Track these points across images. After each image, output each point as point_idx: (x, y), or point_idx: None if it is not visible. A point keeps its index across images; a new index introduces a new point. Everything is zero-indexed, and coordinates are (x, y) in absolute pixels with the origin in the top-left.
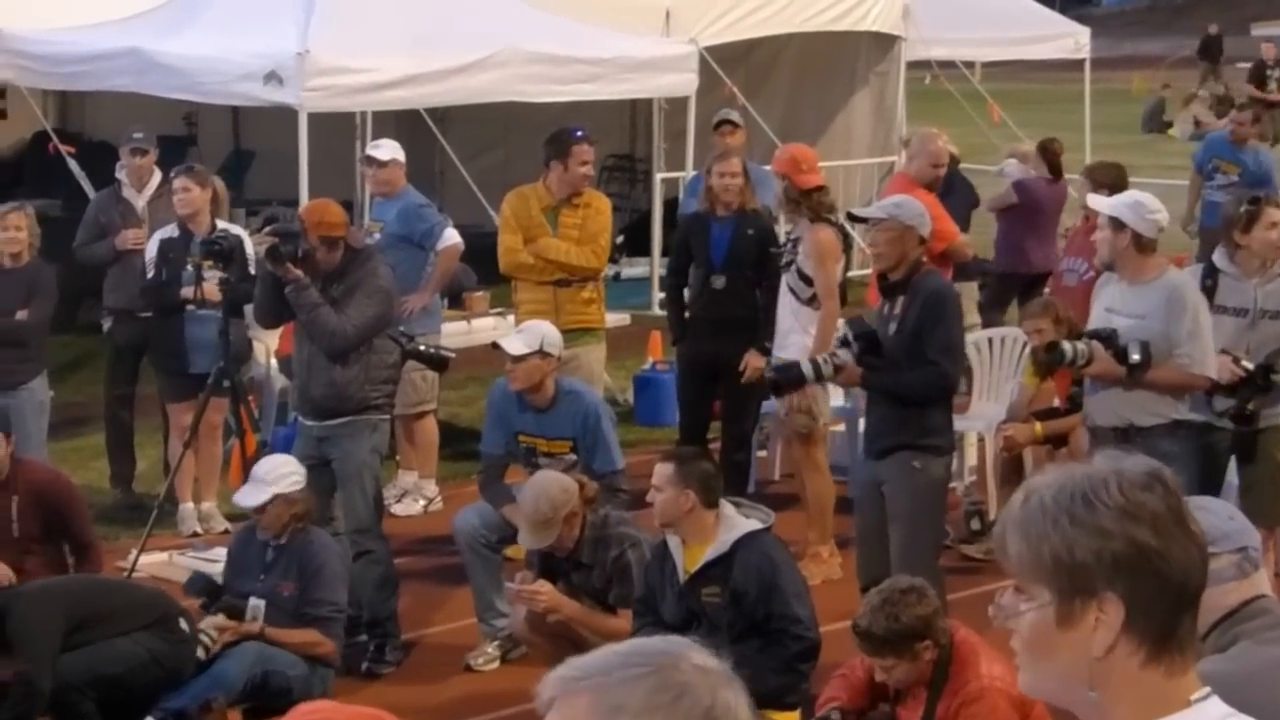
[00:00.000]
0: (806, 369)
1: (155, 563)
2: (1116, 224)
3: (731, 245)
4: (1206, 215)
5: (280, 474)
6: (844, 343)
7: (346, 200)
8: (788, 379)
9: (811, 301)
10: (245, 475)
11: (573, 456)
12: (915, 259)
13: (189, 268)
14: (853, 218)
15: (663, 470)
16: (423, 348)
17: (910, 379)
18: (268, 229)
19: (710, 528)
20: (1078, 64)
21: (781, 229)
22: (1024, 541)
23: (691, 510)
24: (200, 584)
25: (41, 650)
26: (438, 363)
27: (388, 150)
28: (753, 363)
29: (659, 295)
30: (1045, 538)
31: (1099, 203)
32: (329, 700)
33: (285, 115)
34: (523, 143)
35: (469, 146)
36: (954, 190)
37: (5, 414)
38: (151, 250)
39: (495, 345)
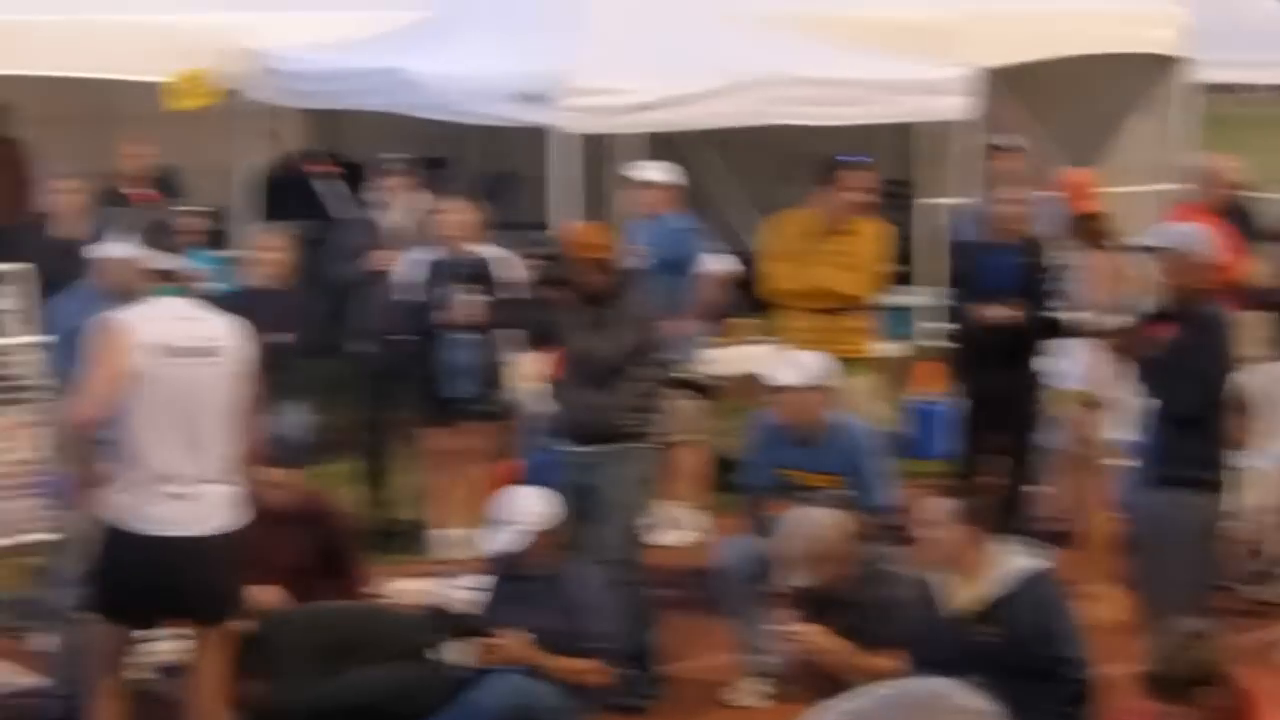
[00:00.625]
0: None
1: (408, 590)
2: None
3: (1010, 274)
4: None
5: (531, 509)
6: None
7: (608, 223)
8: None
9: (1093, 333)
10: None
11: (840, 491)
12: (1200, 288)
13: (448, 291)
14: (1134, 246)
15: (937, 506)
16: (687, 375)
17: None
18: (534, 252)
19: (985, 565)
20: None
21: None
22: None
23: (966, 547)
24: (447, 614)
25: (297, 678)
26: (702, 390)
27: (652, 172)
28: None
29: (927, 325)
30: None
31: None
32: None
33: (542, 136)
34: (786, 166)
35: (730, 170)
36: (1238, 218)
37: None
38: (410, 273)
39: (762, 375)
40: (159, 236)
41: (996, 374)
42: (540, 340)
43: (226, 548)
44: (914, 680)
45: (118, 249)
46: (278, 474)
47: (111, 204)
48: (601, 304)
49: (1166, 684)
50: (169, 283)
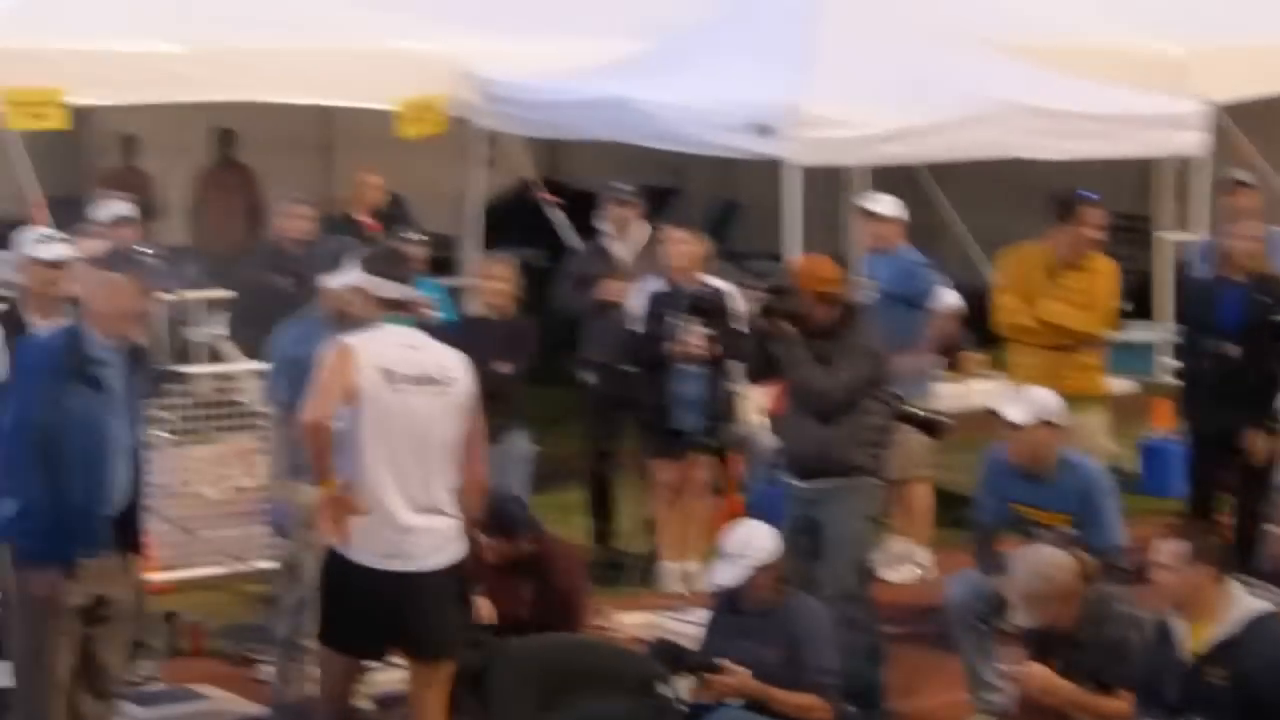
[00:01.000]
0: None
1: (635, 623)
2: None
3: (1244, 312)
4: None
5: (755, 544)
6: None
7: (839, 256)
8: None
9: None
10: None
11: (1071, 530)
12: None
13: (676, 322)
14: None
15: (1173, 548)
16: (916, 410)
17: None
18: (761, 284)
19: (1219, 608)
20: None
21: None
22: None
23: (1201, 589)
24: (672, 648)
25: (516, 713)
26: (932, 427)
27: (885, 205)
28: (1256, 443)
29: (1164, 361)
30: None
31: None
32: None
33: (774, 167)
34: (1018, 200)
35: (961, 202)
36: None
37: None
38: (637, 303)
39: (993, 411)
40: (388, 264)
41: (1226, 411)
42: (765, 373)
43: (448, 583)
44: None
45: (346, 277)
46: (496, 543)
47: (343, 231)
48: (829, 337)
49: None
50: (397, 312)
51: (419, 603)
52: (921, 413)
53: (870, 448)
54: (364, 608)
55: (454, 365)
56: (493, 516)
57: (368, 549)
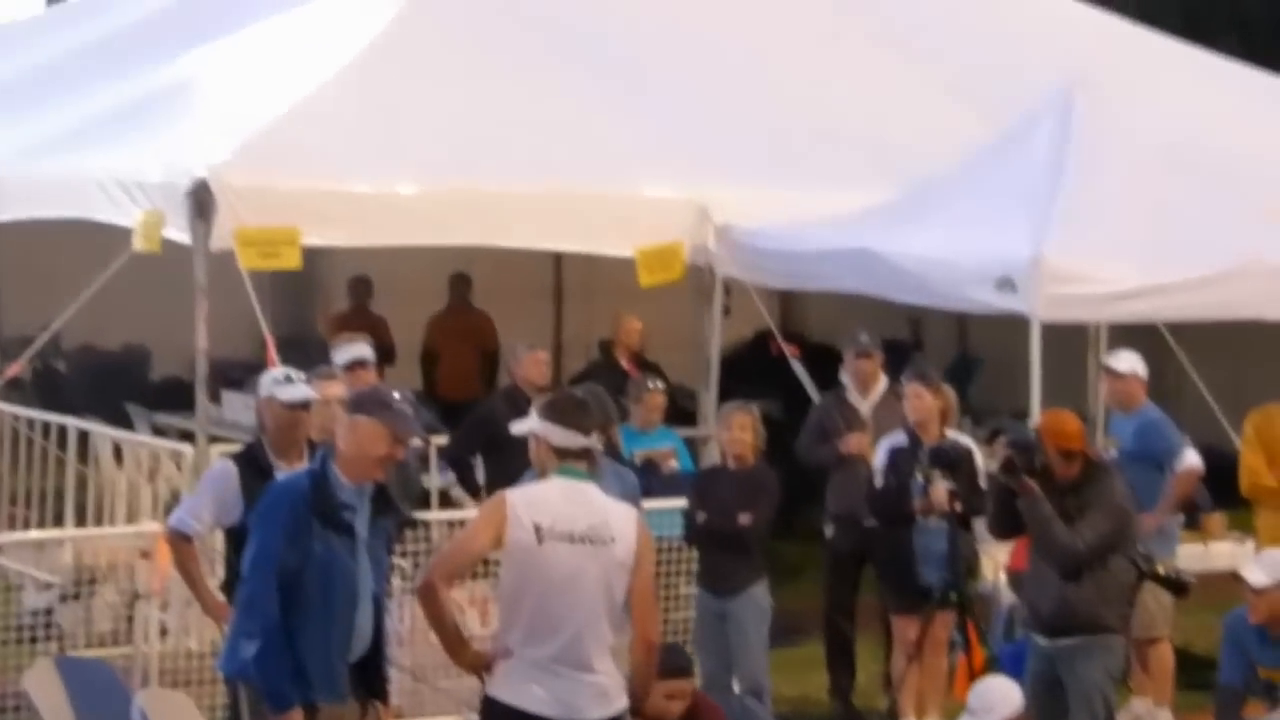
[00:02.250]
0: None
1: None
2: None
3: None
4: None
5: (1001, 700)
6: None
7: (1080, 412)
8: None
9: None
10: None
11: None
12: None
13: (918, 477)
14: None
15: None
16: (1162, 570)
17: None
18: (1003, 439)
19: None
20: None
21: None
22: None
23: None
24: None
25: None
26: (1178, 587)
27: (1127, 362)
28: None
29: None
30: None
31: None
32: None
33: (1014, 322)
34: (1258, 359)
35: (1203, 360)
36: None
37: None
38: (880, 457)
39: (1236, 574)
40: (566, 412)
41: None
42: (1008, 529)
43: None
44: None
45: (530, 423)
46: (668, 685)
47: (605, 373)
48: (1074, 493)
49: None
50: (572, 462)
51: None
52: (1168, 573)
53: (1116, 606)
54: None
55: (618, 523)
56: (664, 659)
57: (522, 694)
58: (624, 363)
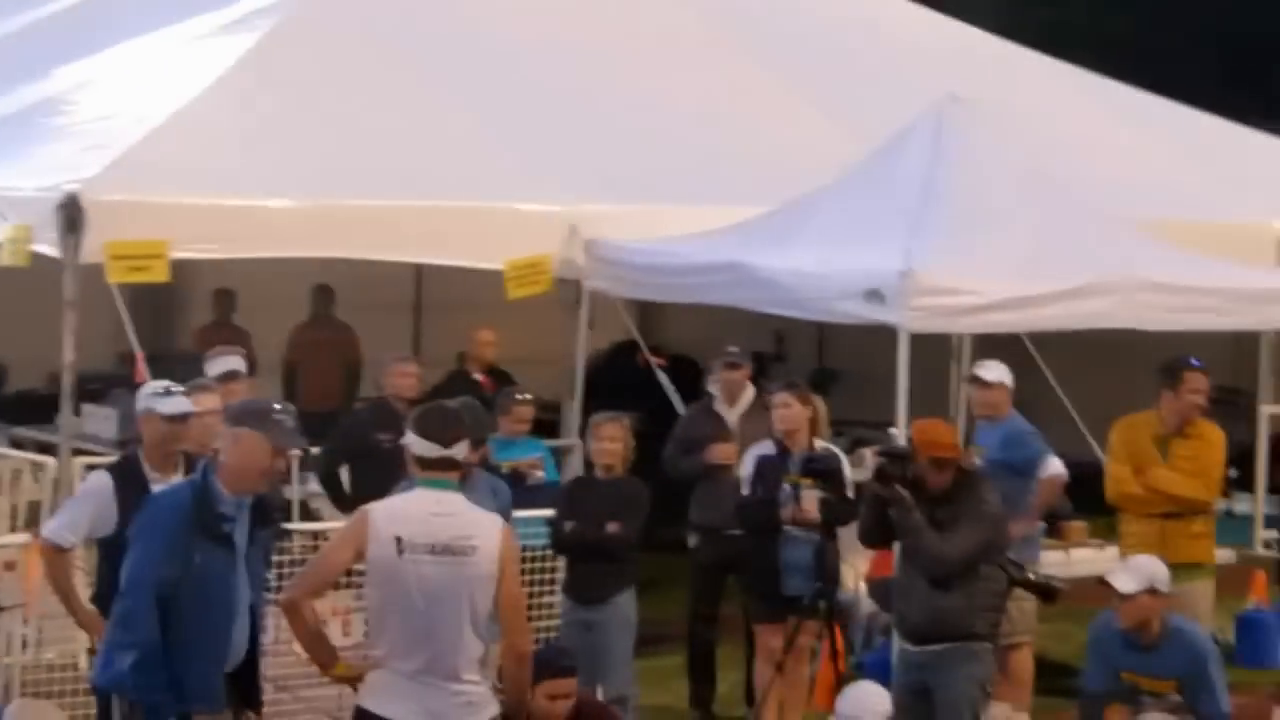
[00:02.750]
0: None
1: None
2: None
3: None
4: None
5: (869, 705)
6: None
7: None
8: None
9: None
10: (832, 700)
11: (1177, 697)
12: None
13: (785, 486)
14: None
15: None
16: (1033, 577)
17: None
18: (876, 449)
19: None
20: None
21: None
22: None
23: None
24: None
25: None
26: (1048, 593)
27: (995, 373)
28: None
29: (1261, 534)
30: None
31: None
32: None
33: (871, 334)
34: (1119, 370)
35: (1065, 371)
36: None
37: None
38: (747, 467)
39: (1103, 581)
40: (433, 424)
41: None
42: (879, 538)
43: None
44: None
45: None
46: (551, 685)
47: (460, 388)
48: (946, 502)
49: None
50: (438, 473)
51: None
52: (1039, 579)
53: (986, 614)
54: None
55: (482, 533)
56: (545, 660)
57: (390, 707)
58: (477, 375)
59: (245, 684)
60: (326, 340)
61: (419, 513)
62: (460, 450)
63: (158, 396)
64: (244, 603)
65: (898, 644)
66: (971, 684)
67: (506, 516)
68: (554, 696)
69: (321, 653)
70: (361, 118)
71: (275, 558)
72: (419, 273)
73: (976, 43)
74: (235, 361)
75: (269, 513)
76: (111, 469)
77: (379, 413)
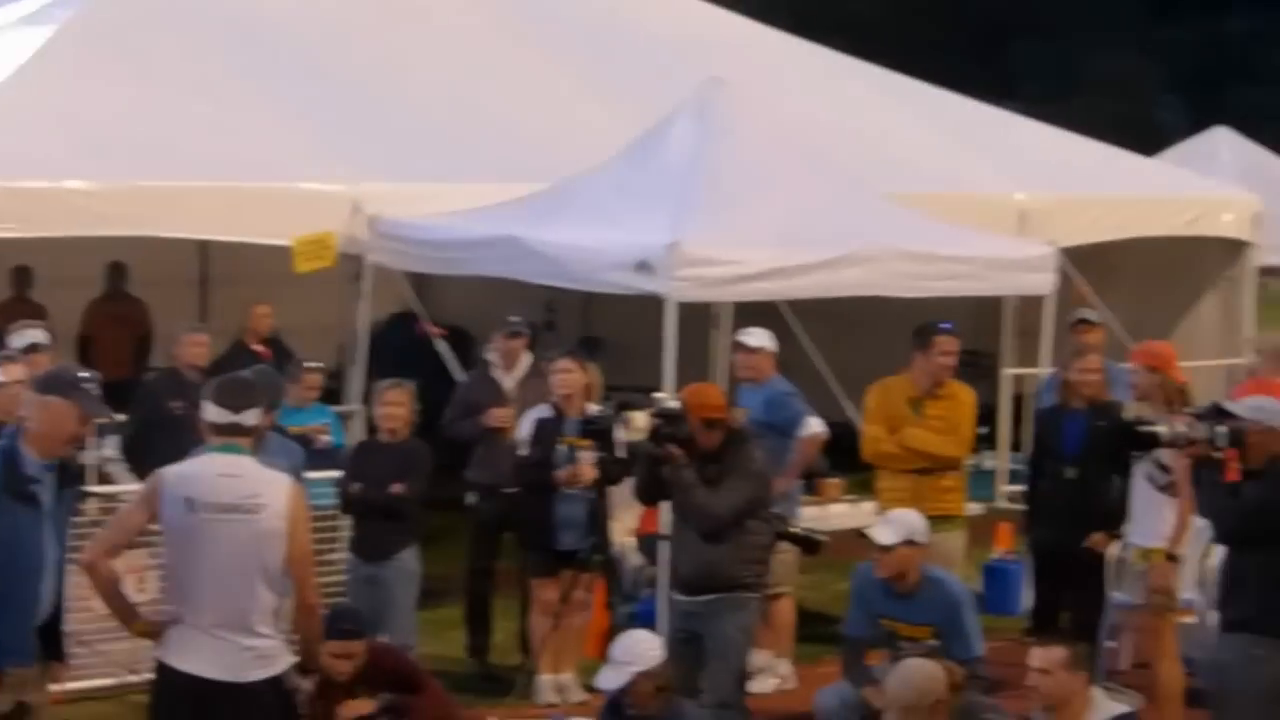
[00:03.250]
0: (1162, 431)
1: None
2: None
3: (1084, 437)
4: None
5: (639, 651)
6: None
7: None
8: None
9: (1167, 489)
10: (604, 648)
11: (934, 642)
12: (1278, 453)
13: (562, 448)
14: (1221, 411)
15: (1051, 654)
16: (796, 530)
17: (1236, 500)
18: (652, 410)
19: (1084, 710)
20: None
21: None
22: None
23: (1074, 693)
24: None
25: None
26: (810, 545)
27: (757, 338)
28: (1098, 541)
29: (1004, 488)
30: None
31: None
32: None
33: (636, 303)
34: (872, 335)
35: (822, 337)
36: None
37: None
38: (524, 429)
39: (860, 533)
40: (224, 393)
41: (1066, 530)
42: (654, 495)
43: (267, 695)
44: None
45: (207, 408)
46: (336, 645)
47: (239, 358)
48: (716, 461)
49: None
50: (229, 439)
51: (237, 708)
52: (802, 532)
53: (753, 566)
54: (184, 715)
55: (267, 493)
56: (334, 621)
57: (185, 658)
58: (255, 346)
59: (51, 637)
60: (120, 313)
61: (208, 474)
62: (250, 417)
63: None
64: (51, 560)
65: (671, 594)
66: (739, 631)
67: (298, 477)
68: (338, 656)
69: (121, 609)
70: (154, 104)
71: (73, 519)
72: (204, 249)
73: (735, 28)
74: (38, 335)
75: (75, 474)
76: None
77: (171, 381)
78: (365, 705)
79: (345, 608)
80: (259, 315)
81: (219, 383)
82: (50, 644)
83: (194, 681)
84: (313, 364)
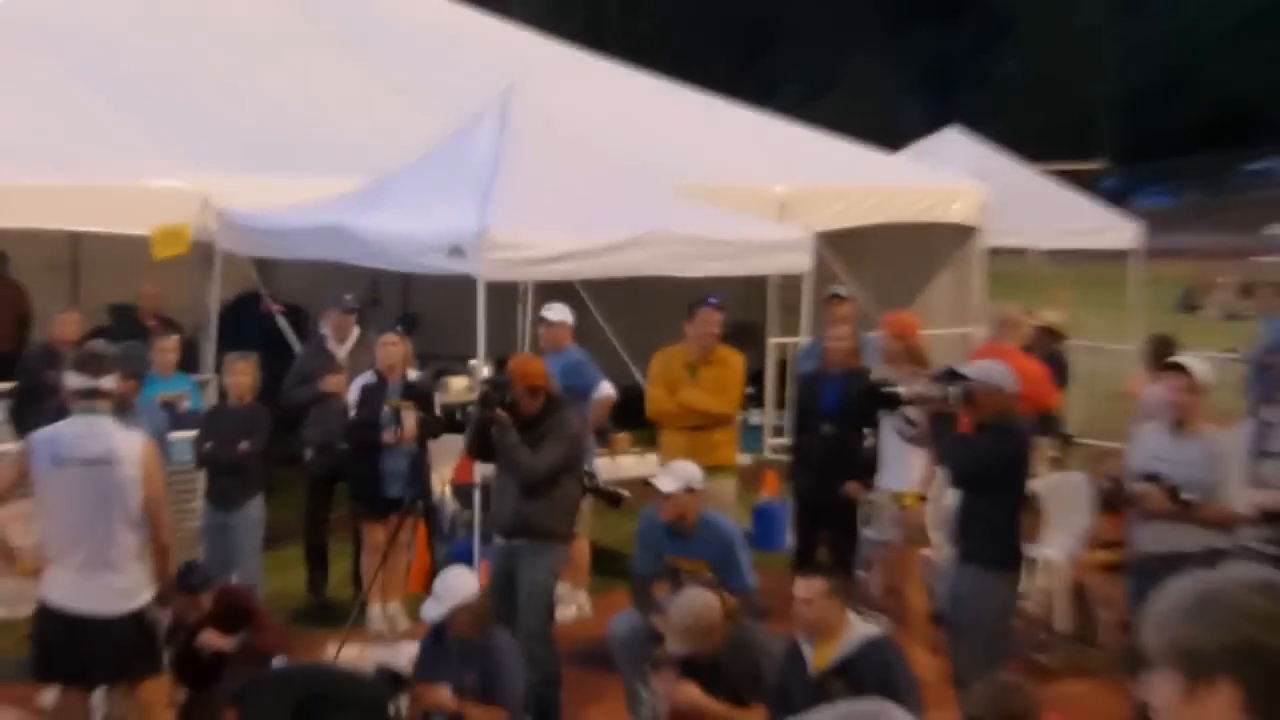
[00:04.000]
0: (902, 390)
1: (350, 656)
2: (1196, 384)
3: (840, 398)
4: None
5: (457, 586)
6: (942, 377)
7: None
8: (889, 397)
9: (914, 440)
10: (426, 582)
11: (710, 575)
12: (1001, 408)
13: (386, 409)
14: (954, 373)
15: (813, 584)
16: (602, 486)
17: (967, 450)
18: (482, 379)
19: (842, 632)
20: (1122, 253)
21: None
22: (1156, 633)
23: (833, 618)
24: (386, 674)
25: None
26: (613, 500)
27: (558, 313)
28: (853, 489)
29: (770, 441)
30: (1172, 630)
31: (1191, 365)
32: None
33: (449, 283)
34: (657, 310)
35: (612, 311)
36: (1051, 358)
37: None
38: (354, 394)
39: (647, 482)
40: (84, 363)
41: (825, 478)
42: (483, 452)
43: (130, 624)
44: (855, 703)
45: (68, 376)
46: (185, 599)
47: (132, 331)
48: (536, 423)
49: None
50: (90, 402)
51: (105, 639)
52: (607, 489)
53: (564, 517)
54: (62, 644)
55: (122, 448)
56: (182, 577)
57: (57, 594)
58: (149, 321)
59: None
60: (1, 296)
61: (71, 434)
62: (107, 382)
63: None
64: None
65: (494, 538)
66: (548, 573)
67: (162, 439)
68: (188, 607)
69: (4, 553)
70: (27, 114)
71: None
72: (75, 239)
73: (529, 41)
74: None
75: None
76: None
77: (46, 355)
78: (221, 639)
79: (190, 564)
80: (149, 294)
81: (78, 354)
82: None
83: (67, 615)
84: (171, 336)
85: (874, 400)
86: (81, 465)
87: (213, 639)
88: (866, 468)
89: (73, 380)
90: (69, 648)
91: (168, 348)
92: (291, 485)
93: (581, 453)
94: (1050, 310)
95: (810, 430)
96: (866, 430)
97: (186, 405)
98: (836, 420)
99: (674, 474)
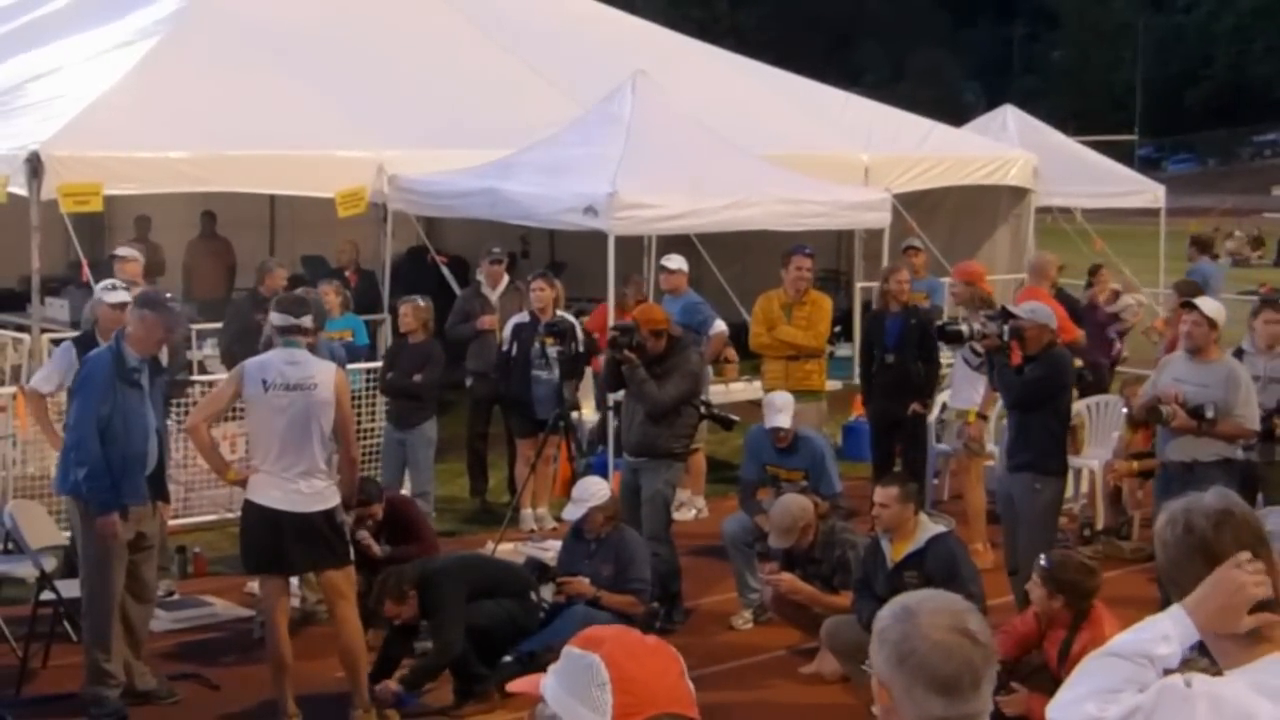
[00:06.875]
0: (964, 328)
1: (505, 551)
2: (1210, 320)
3: (900, 332)
4: None
5: (592, 491)
6: (997, 317)
7: (643, 298)
8: (953, 334)
9: (979, 368)
10: (568, 489)
11: (805, 482)
12: (1047, 343)
13: (536, 344)
14: (1008, 313)
15: (890, 491)
16: (717, 413)
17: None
18: (612, 326)
19: (914, 530)
20: (1154, 211)
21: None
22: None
23: (906, 519)
24: (534, 566)
25: (455, 615)
26: (726, 424)
27: (676, 262)
28: (916, 408)
29: (857, 370)
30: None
31: (1204, 303)
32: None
33: (590, 236)
34: (758, 259)
35: (723, 260)
36: (1064, 300)
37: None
38: (507, 331)
39: (754, 403)
40: (286, 305)
41: (891, 401)
42: (616, 386)
43: (324, 521)
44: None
45: (273, 315)
46: (360, 510)
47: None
48: (661, 361)
49: (1069, 584)
50: (291, 336)
51: (301, 534)
52: (721, 414)
53: (681, 439)
54: (266, 538)
55: (318, 376)
56: (360, 489)
57: (264, 496)
58: (346, 272)
59: (156, 483)
60: (212, 250)
61: (277, 362)
62: (306, 321)
63: (107, 291)
64: (152, 426)
65: (623, 456)
66: (667, 485)
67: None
68: (361, 519)
69: (217, 463)
70: (232, 95)
71: (180, 399)
72: (272, 201)
73: (653, 34)
74: (130, 251)
75: (161, 367)
76: (75, 341)
77: (254, 301)
78: (373, 544)
79: (365, 479)
80: (344, 249)
81: (281, 299)
82: (157, 488)
83: (271, 513)
84: (330, 284)
85: (942, 336)
86: (285, 389)
87: (367, 541)
88: (923, 391)
89: (278, 319)
90: (272, 541)
91: (331, 293)
92: (457, 407)
93: (700, 385)
94: (1114, 280)
95: (876, 361)
96: (920, 361)
97: (348, 341)
98: (896, 351)
99: (784, 411)
